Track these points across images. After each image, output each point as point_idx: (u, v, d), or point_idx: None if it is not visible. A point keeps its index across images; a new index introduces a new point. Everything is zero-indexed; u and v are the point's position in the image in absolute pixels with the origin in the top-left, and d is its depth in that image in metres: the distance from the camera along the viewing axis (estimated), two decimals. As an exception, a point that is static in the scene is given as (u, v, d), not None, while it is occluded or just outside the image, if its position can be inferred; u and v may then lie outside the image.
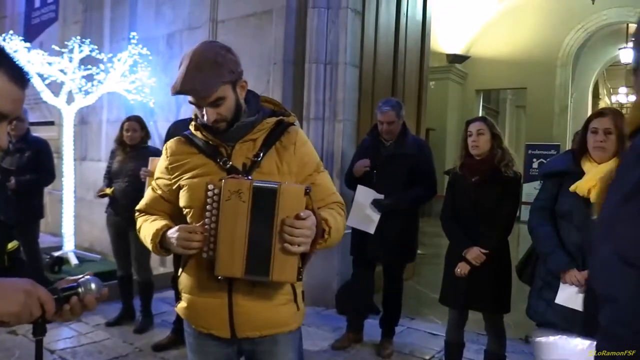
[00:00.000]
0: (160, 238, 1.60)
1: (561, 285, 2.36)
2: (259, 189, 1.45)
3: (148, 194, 1.74)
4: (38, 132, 4.76)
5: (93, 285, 1.13)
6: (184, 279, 1.65)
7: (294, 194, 1.44)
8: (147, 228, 1.66)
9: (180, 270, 1.67)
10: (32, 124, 4.69)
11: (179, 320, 3.80)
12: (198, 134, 1.62)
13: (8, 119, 1.12)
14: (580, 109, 12.12)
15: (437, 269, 3.09)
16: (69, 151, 5.56)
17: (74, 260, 5.39)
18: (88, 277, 1.15)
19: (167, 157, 1.68)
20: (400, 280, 3.82)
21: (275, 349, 1.65)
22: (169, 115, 5.47)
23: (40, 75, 5.32)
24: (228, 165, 1.57)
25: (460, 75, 11.72)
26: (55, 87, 5.49)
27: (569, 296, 2.33)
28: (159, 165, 1.71)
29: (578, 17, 10.44)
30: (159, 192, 1.70)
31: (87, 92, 5.52)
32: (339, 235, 1.61)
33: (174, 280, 1.72)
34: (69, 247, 5.53)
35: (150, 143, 4.17)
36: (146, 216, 1.72)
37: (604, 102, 17.56)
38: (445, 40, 11.02)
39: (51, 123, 6.95)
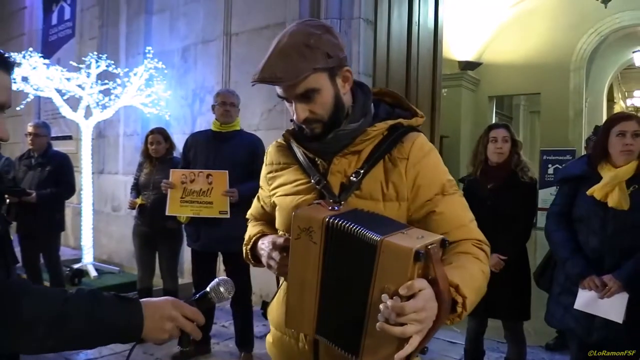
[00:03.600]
0: (252, 245, 1.40)
1: (580, 291, 2.35)
2: (335, 228, 1.07)
3: (254, 203, 1.55)
4: (57, 147, 4.84)
5: (222, 289, 1.16)
6: (273, 310, 1.41)
7: (398, 256, 0.98)
8: (247, 232, 1.48)
9: (272, 298, 1.44)
10: (52, 138, 4.77)
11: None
12: (293, 142, 1.33)
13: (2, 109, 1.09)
14: (595, 113, 12.02)
15: None
16: (87, 165, 5.64)
17: (93, 272, 5.44)
18: (217, 280, 1.18)
19: (266, 164, 1.44)
20: None
21: None
22: (185, 128, 5.54)
23: (59, 91, 5.42)
24: (321, 185, 1.25)
25: (473, 82, 11.69)
26: (73, 102, 5.59)
27: (588, 301, 2.32)
28: (262, 173, 1.47)
29: (591, 21, 10.38)
30: (261, 203, 1.49)
31: (104, 107, 5.60)
32: (480, 295, 1.13)
33: (264, 306, 1.46)
34: (88, 259, 5.59)
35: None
36: (253, 222, 1.54)
37: (619, 106, 17.39)
38: (456, 47, 11.02)
39: (69, 137, 7.06)
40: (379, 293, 1.00)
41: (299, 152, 1.33)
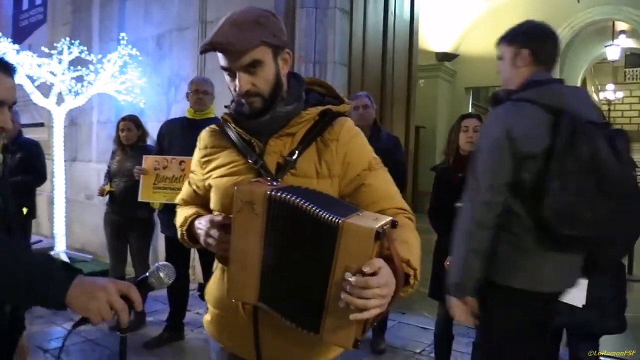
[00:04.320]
0: (189, 225, 1.43)
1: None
2: (276, 200, 1.14)
3: (185, 188, 1.58)
4: (28, 134, 4.75)
5: (162, 274, 1.17)
6: (211, 290, 1.48)
7: (359, 237, 1.03)
8: (179, 215, 1.50)
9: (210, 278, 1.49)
10: (22, 125, 4.69)
11: (170, 318, 3.84)
12: (229, 125, 1.39)
13: (6, 105, 1.31)
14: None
15: (428, 265, 3.14)
16: (60, 152, 5.56)
17: (65, 261, 5.39)
18: (157, 265, 1.19)
19: (199, 149, 1.48)
20: None
21: None
22: (160, 115, 5.49)
23: (30, 77, 5.32)
24: (258, 165, 1.32)
25: (450, 73, 11.81)
26: (44, 89, 5.49)
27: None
28: (193, 157, 1.51)
29: (564, 15, 10.55)
30: (194, 187, 1.52)
31: (77, 94, 5.52)
32: (420, 262, 1.22)
33: (201, 289, 1.52)
34: (60, 247, 5.53)
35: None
36: (183, 207, 1.56)
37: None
38: (433, 38, 11.11)
39: (41, 125, 6.94)
40: (341, 273, 1.04)
41: (233, 135, 1.38)
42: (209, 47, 1.24)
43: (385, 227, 1.04)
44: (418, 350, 3.78)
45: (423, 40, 10.58)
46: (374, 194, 1.32)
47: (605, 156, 1.75)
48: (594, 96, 18.53)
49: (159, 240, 4.36)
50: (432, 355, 3.38)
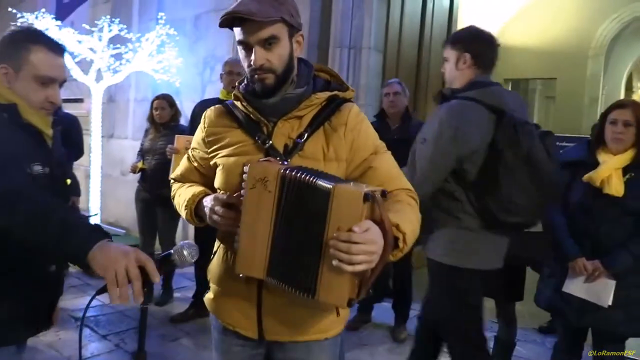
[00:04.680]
0: (196, 204, 1.44)
1: (569, 274, 2.38)
2: (289, 178, 1.18)
3: (183, 164, 1.58)
4: (67, 109, 4.89)
5: (185, 252, 1.21)
6: (214, 268, 1.50)
7: (349, 199, 1.10)
8: (184, 193, 1.50)
9: (211, 257, 1.52)
10: (63, 100, 4.81)
11: (196, 295, 3.93)
12: (238, 104, 1.41)
13: (57, 82, 1.51)
14: (611, 101, 11.67)
15: None
16: (97, 128, 5.70)
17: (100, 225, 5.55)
18: (182, 243, 1.23)
19: (205, 127, 1.48)
20: (407, 264, 3.82)
21: (308, 358, 1.44)
22: (194, 96, 5.56)
23: (71, 53, 5.45)
24: (267, 145, 1.35)
25: (489, 64, 11.54)
26: (84, 66, 5.62)
27: (576, 285, 2.35)
28: (196, 135, 1.53)
29: (613, 7, 10.15)
30: (195, 164, 1.54)
31: (115, 71, 5.64)
32: (416, 235, 1.29)
33: (203, 268, 1.57)
34: (94, 221, 5.70)
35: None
36: (181, 183, 1.57)
37: (637, 96, 17.08)
38: (474, 27, 10.86)
39: (80, 100, 7.11)
40: (333, 234, 1.11)
41: (241, 115, 1.41)
42: (229, 17, 1.26)
43: (375, 193, 1.12)
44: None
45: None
46: (380, 177, 1.36)
47: (539, 153, 2.03)
48: (640, 93, 17.84)
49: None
50: (454, 347, 3.35)
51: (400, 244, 1.21)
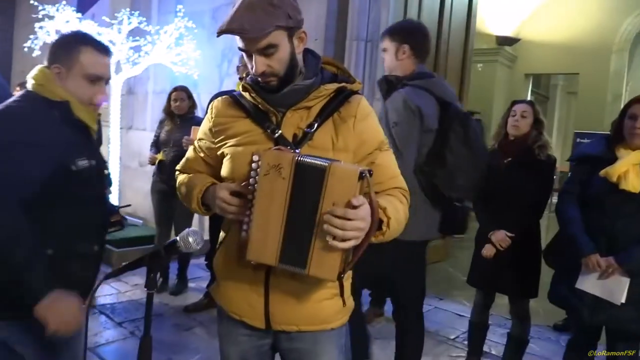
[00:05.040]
0: (204, 193, 1.44)
1: (582, 270, 2.35)
2: (303, 165, 1.20)
3: (189, 154, 1.60)
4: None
5: (190, 239, 1.25)
6: (220, 258, 1.50)
7: (346, 176, 1.16)
8: (191, 182, 1.51)
9: (217, 247, 1.52)
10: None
11: (211, 284, 3.96)
12: (247, 95, 1.42)
13: (103, 80, 1.68)
14: (635, 97, 11.58)
15: (470, 253, 3.13)
16: (116, 120, 5.77)
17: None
18: (187, 230, 1.28)
19: (212, 118, 1.50)
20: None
21: (314, 348, 1.45)
22: (212, 88, 5.59)
23: (91, 45, 5.51)
24: (277, 135, 1.36)
25: (510, 58, 11.38)
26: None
27: (590, 282, 2.32)
28: (203, 125, 1.55)
29: (638, 1, 9.94)
30: (201, 154, 1.54)
31: (134, 63, 5.69)
32: (400, 226, 1.36)
33: (208, 258, 1.60)
34: (126, 212, 5.77)
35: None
36: (186, 174, 1.58)
37: (663, 92, 16.72)
38: (494, 21, 10.71)
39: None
40: (327, 209, 1.16)
41: (248, 105, 1.42)
42: (224, 32, 1.29)
43: (366, 171, 1.18)
44: (452, 337, 3.75)
45: (483, 23, 10.23)
46: (382, 174, 1.40)
47: (476, 138, 2.33)
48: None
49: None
50: (466, 342, 3.35)
51: (384, 227, 1.27)
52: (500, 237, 2.82)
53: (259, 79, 1.35)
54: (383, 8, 4.48)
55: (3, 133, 1.50)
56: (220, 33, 1.30)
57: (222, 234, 1.51)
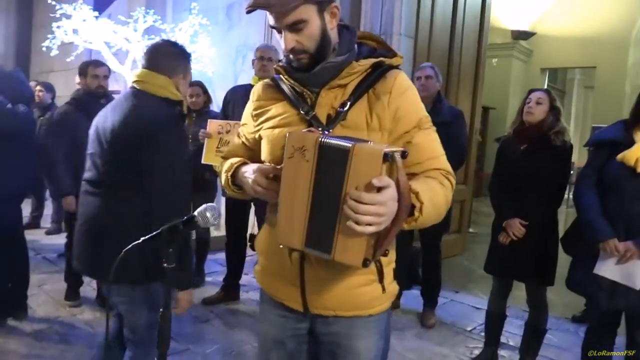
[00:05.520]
0: (234, 171, 1.44)
1: (600, 255, 2.33)
2: (326, 147, 1.15)
3: (232, 141, 1.61)
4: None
5: (208, 214, 1.27)
6: (260, 239, 1.50)
7: (369, 158, 1.09)
8: (225, 165, 1.51)
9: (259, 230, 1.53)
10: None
11: (227, 279, 4.00)
12: (282, 77, 1.41)
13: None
14: (654, 90, 11.41)
15: (486, 247, 3.12)
16: (133, 117, 5.82)
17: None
18: (205, 205, 1.30)
19: (253, 101, 1.49)
20: (437, 251, 3.82)
21: (351, 332, 1.41)
22: (227, 85, 5.59)
23: (107, 44, 5.59)
24: (310, 116, 1.33)
25: (525, 53, 11.28)
26: (120, 57, 5.75)
27: (608, 267, 2.30)
28: (245, 110, 1.53)
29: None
30: (243, 139, 1.54)
31: (150, 61, 5.74)
32: (438, 212, 1.26)
33: (251, 239, 1.63)
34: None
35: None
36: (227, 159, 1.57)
37: (683, 85, 16.43)
38: (510, 16, 10.62)
39: (117, 92, 7.29)
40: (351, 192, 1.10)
41: (286, 87, 1.39)
42: (252, 8, 1.26)
43: (395, 153, 1.10)
44: (469, 329, 3.73)
45: (498, 17, 10.15)
46: (420, 154, 1.31)
47: None
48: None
49: (220, 204, 4.51)
50: (483, 334, 3.33)
51: (416, 213, 1.18)
52: (514, 226, 2.81)
53: (290, 56, 1.31)
54: (396, 1, 4.47)
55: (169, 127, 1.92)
56: (249, 9, 1.27)
57: (266, 215, 1.50)
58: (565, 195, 3.19)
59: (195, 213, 1.26)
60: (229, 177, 1.46)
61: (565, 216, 6.49)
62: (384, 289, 1.39)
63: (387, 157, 1.07)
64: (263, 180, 1.29)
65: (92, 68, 3.62)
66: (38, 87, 5.58)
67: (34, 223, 6.02)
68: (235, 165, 1.44)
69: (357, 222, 1.07)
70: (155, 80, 1.96)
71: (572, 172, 9.93)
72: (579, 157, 8.48)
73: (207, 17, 5.67)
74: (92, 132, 2.03)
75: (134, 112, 1.90)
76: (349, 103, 1.31)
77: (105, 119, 1.98)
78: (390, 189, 1.09)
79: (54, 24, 5.61)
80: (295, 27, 1.26)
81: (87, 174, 2.02)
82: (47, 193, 6.19)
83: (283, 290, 1.43)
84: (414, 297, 4.00)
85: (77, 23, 5.38)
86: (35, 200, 6.08)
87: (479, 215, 7.85)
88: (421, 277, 4.03)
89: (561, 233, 2.88)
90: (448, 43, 5.23)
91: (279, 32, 1.30)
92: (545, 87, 11.88)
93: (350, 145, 1.11)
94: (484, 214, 7.84)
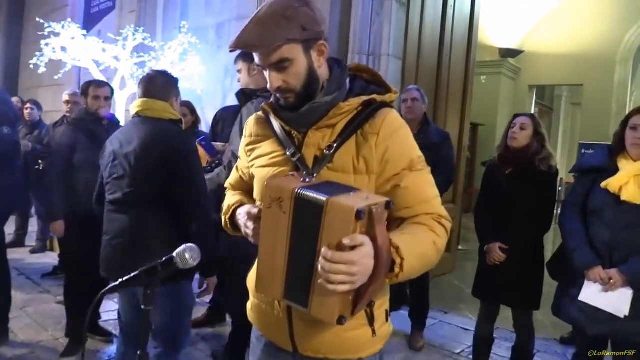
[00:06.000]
0: (231, 214, 1.43)
1: (585, 283, 2.33)
2: (302, 200, 1.11)
3: (233, 172, 1.59)
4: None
5: (187, 255, 1.24)
6: (251, 278, 1.45)
7: (341, 214, 1.04)
8: (225, 202, 1.50)
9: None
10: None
11: (214, 300, 3.95)
12: (270, 115, 1.37)
13: None
14: (640, 108, 11.53)
15: (477, 265, 3.11)
16: (121, 135, 5.80)
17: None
18: (184, 246, 1.26)
19: (245, 136, 1.46)
20: (425, 273, 3.80)
21: None
22: (216, 103, 5.61)
23: (95, 62, 5.58)
24: (296, 158, 1.29)
25: (513, 70, 11.41)
26: (109, 74, 5.74)
27: (593, 294, 2.30)
28: (240, 144, 1.51)
29: (639, 13, 9.95)
30: (240, 173, 1.53)
31: (139, 79, 5.73)
32: (425, 262, 1.21)
33: (224, 275, 1.60)
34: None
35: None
36: (232, 192, 1.57)
37: (669, 102, 16.66)
38: (497, 33, 10.76)
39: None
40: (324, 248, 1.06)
41: (276, 124, 1.36)
42: (235, 49, 1.24)
43: (373, 207, 1.05)
44: (457, 351, 3.71)
45: (486, 35, 10.26)
46: (409, 198, 1.25)
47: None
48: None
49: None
50: (471, 357, 3.31)
51: (396, 269, 1.11)
52: (494, 251, 2.84)
53: (277, 95, 1.29)
54: (385, 21, 4.51)
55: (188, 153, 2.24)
56: (232, 49, 1.24)
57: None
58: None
59: (174, 254, 1.24)
60: (227, 220, 1.45)
61: (553, 232, 6.50)
62: (374, 333, 1.33)
63: (361, 215, 1.02)
64: (251, 224, 1.28)
65: (93, 88, 3.43)
66: (28, 104, 5.55)
67: (19, 241, 5.94)
68: (232, 208, 1.43)
69: (328, 281, 1.04)
70: (155, 106, 2.25)
71: (560, 188, 9.97)
72: (567, 174, 8.53)
73: (197, 36, 5.68)
74: (108, 159, 2.29)
75: (151, 135, 2.18)
76: (335, 145, 1.26)
77: (121, 146, 2.23)
78: (364, 247, 1.04)
79: (42, 42, 5.60)
80: (280, 66, 1.23)
81: (111, 197, 2.27)
82: (33, 210, 6.13)
83: (272, 329, 1.41)
84: (402, 319, 3.97)
85: (66, 41, 5.36)
86: (20, 218, 5.99)
87: (468, 232, 7.84)
88: (409, 298, 4.02)
89: (548, 252, 2.89)
90: (436, 62, 5.27)
91: (264, 69, 1.27)
92: (534, 103, 12.04)
93: (324, 199, 1.07)
94: (473, 230, 7.80)
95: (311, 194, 1.10)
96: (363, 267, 1.05)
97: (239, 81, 3.71)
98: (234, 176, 1.57)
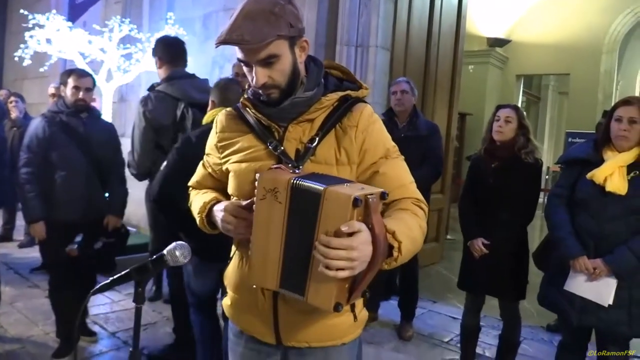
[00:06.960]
0: (208, 212, 1.43)
1: (571, 273, 2.37)
2: (299, 189, 1.14)
3: (199, 170, 1.58)
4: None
5: (178, 252, 1.25)
6: (230, 273, 1.48)
7: (339, 202, 1.07)
8: (197, 200, 1.50)
9: (228, 262, 1.50)
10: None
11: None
12: (248, 110, 1.38)
13: None
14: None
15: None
16: (108, 127, 5.75)
17: (110, 232, 5.60)
18: (174, 244, 1.26)
19: (217, 132, 1.46)
20: (414, 262, 3.82)
21: None
22: (204, 95, 5.60)
23: (81, 54, 5.51)
24: (278, 151, 1.31)
25: (501, 60, 11.45)
26: (95, 66, 5.68)
27: (578, 283, 2.34)
28: (209, 140, 1.51)
29: (627, 1, 10.02)
30: (209, 169, 1.52)
31: (125, 71, 5.69)
32: (416, 245, 1.25)
33: (221, 273, 1.55)
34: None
35: None
36: (197, 190, 1.57)
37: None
38: (485, 23, 10.78)
39: (92, 100, 7.19)
40: (322, 236, 1.09)
41: (252, 120, 1.38)
42: (223, 43, 1.22)
43: (368, 197, 1.08)
44: (446, 340, 3.76)
45: (474, 25, 10.29)
46: (388, 183, 1.30)
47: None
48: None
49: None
50: (459, 346, 3.36)
51: (395, 253, 1.16)
52: (476, 246, 2.89)
53: (260, 91, 1.30)
54: (373, 13, 4.50)
55: None
56: (219, 44, 1.23)
57: (233, 249, 1.49)
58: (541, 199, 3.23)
59: (165, 252, 1.25)
60: (204, 218, 1.44)
61: (541, 221, 6.57)
62: (355, 318, 1.40)
63: (357, 202, 1.05)
64: (232, 219, 1.30)
65: (74, 78, 3.16)
66: (12, 98, 5.48)
67: (6, 235, 5.90)
68: (209, 206, 1.43)
69: (327, 267, 1.06)
70: None
71: (547, 177, 10.02)
72: (553, 163, 8.61)
73: (184, 27, 5.63)
74: None
75: None
76: (317, 138, 1.31)
77: None
78: (362, 233, 1.07)
79: (27, 33, 5.52)
80: (268, 61, 1.25)
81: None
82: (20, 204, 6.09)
83: (255, 324, 1.42)
84: (391, 309, 4.02)
85: (51, 33, 5.29)
86: (7, 212, 5.95)
87: (456, 222, 7.88)
88: (398, 287, 4.06)
89: (535, 244, 2.93)
90: (424, 53, 5.28)
91: (249, 67, 1.28)
92: (521, 93, 12.11)
93: (322, 188, 1.10)
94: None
95: (307, 183, 1.13)
96: (362, 252, 1.07)
97: (236, 77, 3.72)
98: (200, 174, 1.56)
